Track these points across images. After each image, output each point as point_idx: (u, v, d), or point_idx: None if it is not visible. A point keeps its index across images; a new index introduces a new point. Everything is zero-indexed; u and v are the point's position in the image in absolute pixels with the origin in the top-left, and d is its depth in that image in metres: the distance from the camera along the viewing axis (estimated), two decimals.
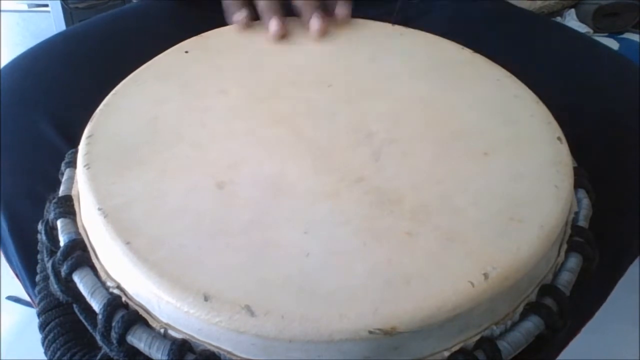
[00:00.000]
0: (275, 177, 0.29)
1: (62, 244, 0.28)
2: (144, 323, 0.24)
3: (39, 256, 0.32)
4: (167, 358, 0.23)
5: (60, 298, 0.27)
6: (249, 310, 0.22)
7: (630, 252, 0.44)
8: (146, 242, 0.25)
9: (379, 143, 0.31)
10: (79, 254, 0.27)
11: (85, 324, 0.27)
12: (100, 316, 0.25)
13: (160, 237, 0.25)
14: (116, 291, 0.25)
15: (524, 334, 0.25)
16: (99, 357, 0.26)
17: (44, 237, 0.29)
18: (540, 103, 0.34)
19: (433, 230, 0.26)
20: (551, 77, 0.44)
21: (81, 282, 0.26)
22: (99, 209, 0.26)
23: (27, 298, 0.47)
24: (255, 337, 0.22)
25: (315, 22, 0.40)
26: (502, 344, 0.24)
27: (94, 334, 0.26)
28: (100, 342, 0.25)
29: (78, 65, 0.44)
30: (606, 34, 1.09)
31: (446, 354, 0.24)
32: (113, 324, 0.24)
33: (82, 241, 0.28)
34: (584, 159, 0.33)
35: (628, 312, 0.88)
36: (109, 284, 0.26)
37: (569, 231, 0.29)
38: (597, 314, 0.45)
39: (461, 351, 0.24)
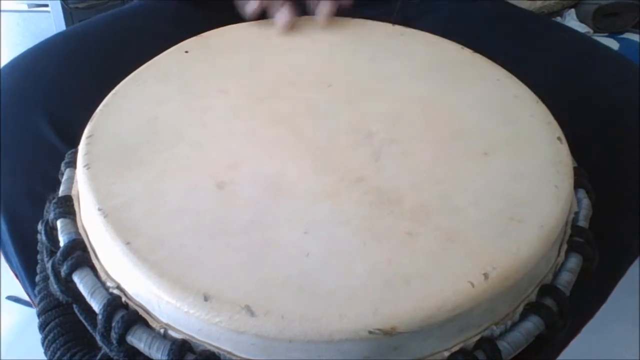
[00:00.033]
0: (275, 177, 0.29)
1: (62, 244, 0.28)
2: (144, 323, 0.24)
3: (38, 256, 0.32)
4: (167, 358, 0.23)
5: (60, 298, 0.27)
6: (249, 310, 0.22)
7: (630, 252, 0.44)
8: (146, 242, 0.25)
9: (379, 143, 0.31)
10: (79, 254, 0.27)
11: (85, 324, 0.27)
12: (100, 316, 0.25)
13: (160, 237, 0.25)
14: (116, 291, 0.25)
15: (524, 334, 0.25)
16: (99, 357, 0.26)
17: (43, 238, 0.29)
18: (540, 103, 0.34)
19: (433, 230, 0.26)
20: (551, 77, 0.44)
21: (81, 282, 0.26)
22: (99, 209, 0.26)
23: (27, 298, 0.47)
24: (255, 337, 0.22)
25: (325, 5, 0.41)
26: (502, 344, 0.24)
27: (94, 334, 0.26)
28: (100, 343, 0.25)
29: (78, 65, 0.44)
30: (606, 34, 1.09)
31: (446, 354, 0.24)
32: (113, 324, 0.24)
33: (82, 241, 0.28)
34: (584, 159, 0.33)
35: (628, 312, 0.88)
36: (108, 284, 0.26)
37: (569, 231, 0.29)
38: (597, 314, 0.45)
39: (461, 351, 0.24)
